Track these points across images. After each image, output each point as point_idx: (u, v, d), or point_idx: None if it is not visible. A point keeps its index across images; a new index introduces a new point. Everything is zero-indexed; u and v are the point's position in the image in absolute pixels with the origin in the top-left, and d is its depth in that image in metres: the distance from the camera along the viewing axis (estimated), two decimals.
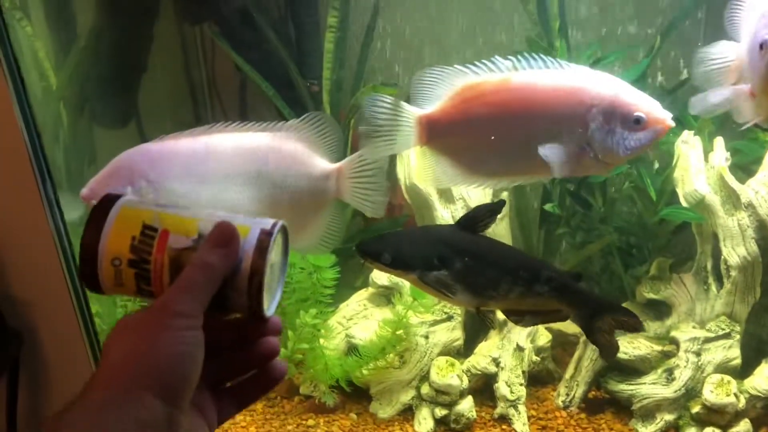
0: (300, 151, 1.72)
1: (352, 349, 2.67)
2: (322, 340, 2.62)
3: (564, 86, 1.65)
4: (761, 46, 1.60)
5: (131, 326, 0.80)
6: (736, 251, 2.44)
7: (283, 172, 1.69)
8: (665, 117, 1.63)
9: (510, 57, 1.67)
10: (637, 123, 1.61)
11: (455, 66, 1.71)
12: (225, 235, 0.84)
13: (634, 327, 1.62)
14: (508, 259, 1.64)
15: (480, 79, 1.70)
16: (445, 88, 1.72)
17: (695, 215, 2.42)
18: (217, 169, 1.63)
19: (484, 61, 1.68)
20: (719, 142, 2.49)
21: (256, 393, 0.92)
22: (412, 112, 1.72)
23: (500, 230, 2.67)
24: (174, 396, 0.77)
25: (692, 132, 2.50)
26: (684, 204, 2.45)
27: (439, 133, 1.73)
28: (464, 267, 1.56)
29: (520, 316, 1.68)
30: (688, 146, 2.48)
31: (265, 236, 0.85)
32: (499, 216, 2.62)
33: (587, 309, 1.61)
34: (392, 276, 2.67)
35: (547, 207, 2.58)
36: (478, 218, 1.61)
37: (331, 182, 1.78)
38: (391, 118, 1.72)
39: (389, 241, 1.60)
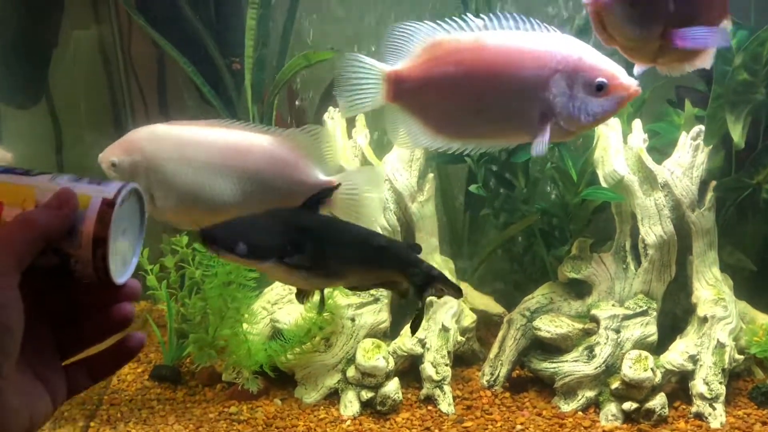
0: (296, 157, 1.78)
1: (276, 333, 2.62)
2: (245, 325, 2.56)
3: (529, 49, 1.62)
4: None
5: None
6: (653, 230, 2.51)
7: (273, 174, 1.76)
8: (630, 84, 1.59)
9: (482, 15, 1.65)
10: (600, 89, 1.58)
11: (426, 22, 1.68)
12: (59, 198, 0.79)
13: (455, 295, 1.70)
14: (354, 236, 1.63)
15: (449, 36, 1.67)
16: (415, 44, 1.69)
17: (615, 195, 2.48)
18: (207, 157, 1.74)
19: (455, 18, 1.65)
20: (637, 124, 2.55)
21: (111, 365, 0.86)
22: (381, 68, 1.69)
23: (426, 211, 2.67)
24: None
25: None
26: (604, 184, 2.51)
27: (406, 91, 1.69)
28: (316, 249, 1.52)
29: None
30: (607, 128, 2.54)
31: (107, 207, 0.80)
32: (424, 197, 2.66)
33: (423, 279, 1.64)
34: None
35: (472, 188, 2.59)
36: (316, 195, 1.60)
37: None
38: (359, 74, 1.69)
39: (239, 229, 1.48)
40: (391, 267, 1.66)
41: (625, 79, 1.61)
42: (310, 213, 1.61)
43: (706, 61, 1.77)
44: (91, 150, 1.94)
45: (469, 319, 2.74)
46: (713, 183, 2.52)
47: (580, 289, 2.68)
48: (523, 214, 2.65)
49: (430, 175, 2.67)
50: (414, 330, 1.69)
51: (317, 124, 2.66)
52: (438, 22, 1.69)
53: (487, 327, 2.91)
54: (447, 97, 1.71)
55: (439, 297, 1.69)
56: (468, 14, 1.67)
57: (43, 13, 2.59)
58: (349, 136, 2.65)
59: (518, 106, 1.67)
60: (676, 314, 2.70)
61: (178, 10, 2.64)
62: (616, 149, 2.50)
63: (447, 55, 1.69)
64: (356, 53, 1.72)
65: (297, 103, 2.79)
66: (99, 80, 2.90)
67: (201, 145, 1.76)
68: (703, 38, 1.56)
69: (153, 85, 2.88)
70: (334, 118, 2.61)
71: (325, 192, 1.67)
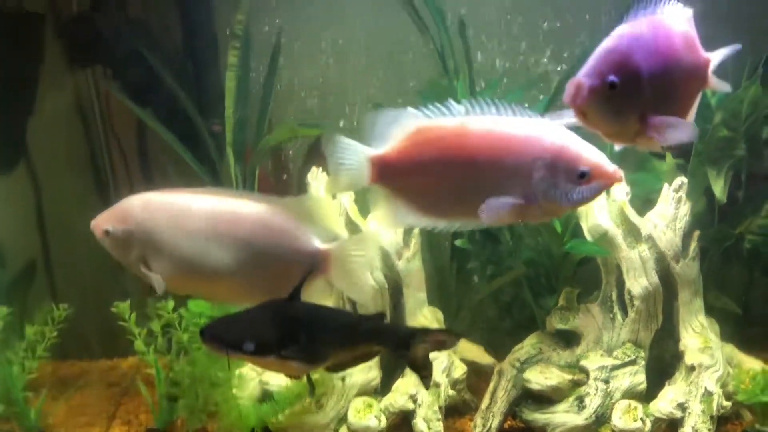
0: (291, 225, 1.79)
1: (266, 395, 2.61)
2: (234, 390, 2.54)
3: (512, 136, 1.65)
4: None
5: None
6: (638, 282, 2.53)
7: (268, 242, 1.77)
8: (612, 172, 1.62)
9: (463, 102, 1.67)
10: (582, 177, 1.62)
11: (408, 108, 1.71)
12: None
13: (451, 339, 1.74)
14: (340, 322, 1.70)
15: (432, 123, 1.70)
16: (398, 129, 1.73)
17: (599, 249, 2.48)
18: (201, 226, 1.76)
19: (437, 105, 1.67)
20: None
21: None
22: (365, 152, 1.72)
23: (413, 267, 2.67)
24: None
25: None
26: (588, 237, 2.51)
27: (389, 174, 1.73)
28: (309, 339, 1.58)
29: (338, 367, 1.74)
30: None
31: None
32: (410, 253, 2.66)
33: (401, 341, 1.68)
34: None
35: (458, 242, 2.59)
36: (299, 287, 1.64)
37: (319, 262, 1.80)
38: (344, 156, 1.73)
39: (242, 327, 1.53)
40: (374, 342, 1.71)
41: (608, 166, 1.64)
42: (299, 303, 1.64)
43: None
44: (76, 215, 1.93)
45: (459, 370, 2.74)
46: (697, 233, 2.54)
47: (568, 338, 2.68)
48: (510, 266, 2.65)
49: (416, 231, 2.66)
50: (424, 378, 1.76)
51: (302, 181, 2.66)
52: (420, 108, 1.71)
53: (477, 374, 2.91)
54: (431, 182, 1.73)
55: (440, 349, 1.74)
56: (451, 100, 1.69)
57: (16, 85, 2.57)
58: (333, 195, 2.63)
59: (502, 191, 1.68)
60: (664, 358, 2.71)
61: (157, 74, 2.62)
62: (600, 203, 2.51)
63: (430, 141, 1.71)
64: (342, 136, 1.73)
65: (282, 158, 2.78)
66: (79, 143, 2.87)
67: (195, 213, 1.77)
68: (675, 132, 1.59)
69: (134, 147, 2.86)
70: (318, 179, 2.59)
71: (308, 276, 1.70)
